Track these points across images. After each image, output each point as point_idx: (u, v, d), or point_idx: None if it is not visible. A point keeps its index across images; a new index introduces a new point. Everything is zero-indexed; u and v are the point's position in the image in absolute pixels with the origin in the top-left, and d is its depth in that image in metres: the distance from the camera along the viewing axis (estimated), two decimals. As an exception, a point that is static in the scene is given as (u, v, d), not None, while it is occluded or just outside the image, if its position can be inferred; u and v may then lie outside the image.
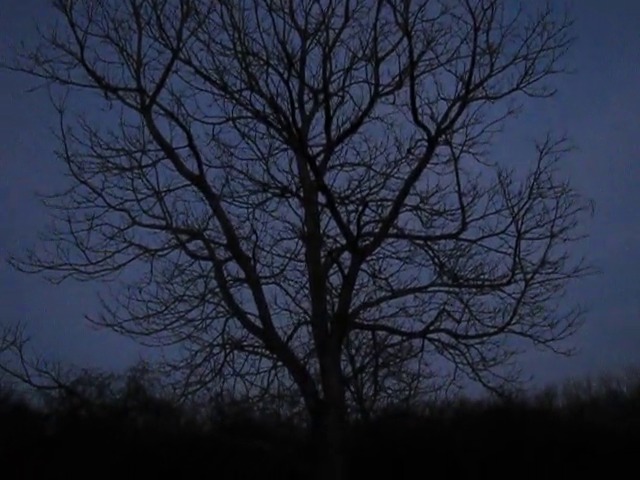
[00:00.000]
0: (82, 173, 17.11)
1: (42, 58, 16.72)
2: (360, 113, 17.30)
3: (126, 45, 17.08)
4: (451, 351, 18.07)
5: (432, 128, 16.76)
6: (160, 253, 17.31)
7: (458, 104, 16.68)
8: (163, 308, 17.02)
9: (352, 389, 22.07)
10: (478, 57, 16.45)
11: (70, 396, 31.47)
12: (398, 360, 20.36)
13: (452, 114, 16.73)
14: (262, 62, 17.33)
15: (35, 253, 16.74)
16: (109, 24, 16.96)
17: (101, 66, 17.04)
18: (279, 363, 17.78)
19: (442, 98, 16.70)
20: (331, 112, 17.36)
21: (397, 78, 17.49)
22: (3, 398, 33.96)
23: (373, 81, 17.11)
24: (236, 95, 17.46)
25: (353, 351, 20.94)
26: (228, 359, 17.63)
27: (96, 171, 17.17)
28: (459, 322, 17.91)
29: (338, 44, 17.98)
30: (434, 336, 18.08)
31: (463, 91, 16.60)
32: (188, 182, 17.34)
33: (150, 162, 17.39)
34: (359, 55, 17.74)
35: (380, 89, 17.16)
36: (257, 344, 17.58)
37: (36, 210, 16.93)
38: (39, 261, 16.75)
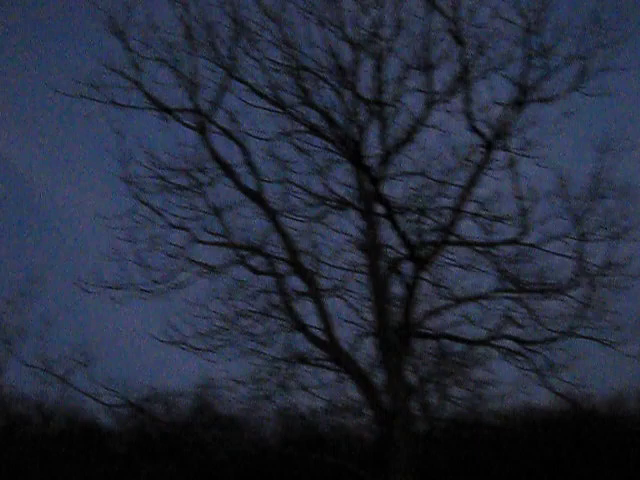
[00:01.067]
0: (142, 194, 17.40)
1: (99, 83, 17.11)
2: (415, 122, 17.29)
3: (181, 67, 17.39)
4: (516, 358, 17.86)
5: (488, 133, 16.68)
6: (222, 270, 17.47)
7: (513, 108, 16.56)
8: (227, 324, 17.18)
9: (417, 399, 21.94)
10: (531, 59, 16.36)
11: (138, 413, 31.92)
12: (463, 368, 20.19)
13: (508, 118, 16.62)
14: (315, 76, 17.47)
15: (100, 274, 17.08)
16: (164, 47, 17.33)
17: (157, 88, 17.39)
18: (344, 375, 17.77)
19: (497, 103, 16.61)
20: (386, 122, 17.41)
21: (450, 85, 17.40)
22: (74, 417, 34.65)
23: (426, 89, 17.13)
24: (291, 110, 17.59)
25: (417, 361, 20.82)
26: (293, 373, 17.68)
27: (156, 191, 17.45)
28: (523, 328, 17.72)
29: (390, 54, 17.96)
30: (498, 343, 17.90)
31: (518, 95, 16.50)
32: (247, 198, 17.52)
33: (209, 180, 17.60)
34: (411, 64, 17.71)
35: (434, 97, 17.14)
36: (321, 357, 17.60)
37: (99, 232, 17.29)
38: (104, 282, 17.07)
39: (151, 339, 16.95)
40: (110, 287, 17.06)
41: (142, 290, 17.12)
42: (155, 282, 17.13)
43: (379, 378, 18.07)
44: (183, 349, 17.10)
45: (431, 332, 18.50)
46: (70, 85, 17.04)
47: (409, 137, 17.30)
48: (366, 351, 18.40)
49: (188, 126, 17.42)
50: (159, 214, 17.39)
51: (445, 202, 18.14)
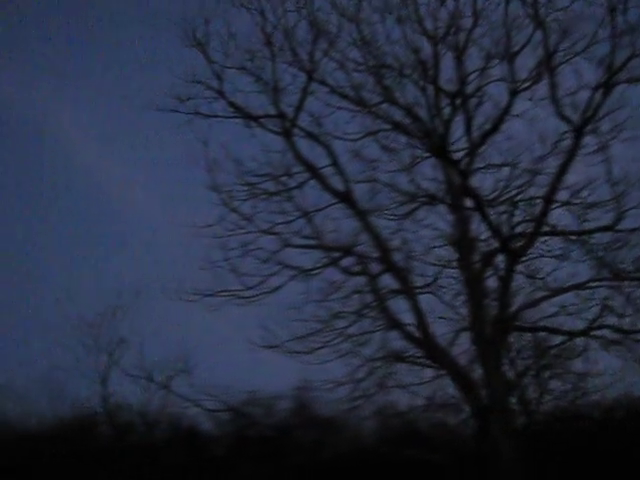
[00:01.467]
0: (231, 201, 17.64)
1: (184, 96, 17.43)
2: (500, 112, 17.05)
3: (262, 73, 17.59)
4: (617, 347, 17.40)
5: (576, 119, 16.32)
6: (314, 272, 17.56)
7: (601, 91, 16.16)
8: (322, 326, 17.26)
9: (516, 393, 21.62)
10: (617, 39, 15.94)
11: (238, 417, 32.37)
12: (562, 360, 19.81)
13: (595, 102, 16.23)
14: (396, 73, 17.42)
15: (195, 282, 17.37)
16: (244, 55, 17.55)
17: (240, 97, 17.65)
18: (441, 372, 17.65)
19: (584, 87, 16.24)
20: (470, 114, 17.23)
21: (534, 72, 17.09)
22: (176, 422, 35.33)
23: (510, 78, 16.87)
24: (373, 109, 17.58)
25: (515, 354, 20.53)
26: (390, 371, 17.65)
27: (244, 198, 17.67)
28: (623, 317, 17.25)
29: (470, 45, 17.74)
30: (598, 333, 17.47)
31: (605, 77, 16.09)
32: (335, 200, 17.57)
33: (296, 184, 17.72)
34: (492, 53, 17.46)
35: (518, 85, 16.86)
36: (418, 354, 17.53)
37: (192, 241, 17.58)
38: (199, 290, 17.36)
39: (248, 344, 17.18)
40: (205, 295, 17.35)
41: (237, 296, 17.37)
42: (249, 288, 17.35)
43: (476, 373, 17.89)
44: (280, 352, 17.28)
45: (528, 325, 18.22)
46: (155, 99, 17.42)
47: (495, 128, 17.06)
48: (462, 347, 18.25)
49: (273, 132, 17.60)
50: (249, 220, 17.60)
51: (536, 192, 17.84)
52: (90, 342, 31.33)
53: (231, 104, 17.51)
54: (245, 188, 17.66)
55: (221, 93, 17.46)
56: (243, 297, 17.41)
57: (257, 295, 17.41)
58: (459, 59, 17.37)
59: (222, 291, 17.37)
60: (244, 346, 17.44)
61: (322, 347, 17.31)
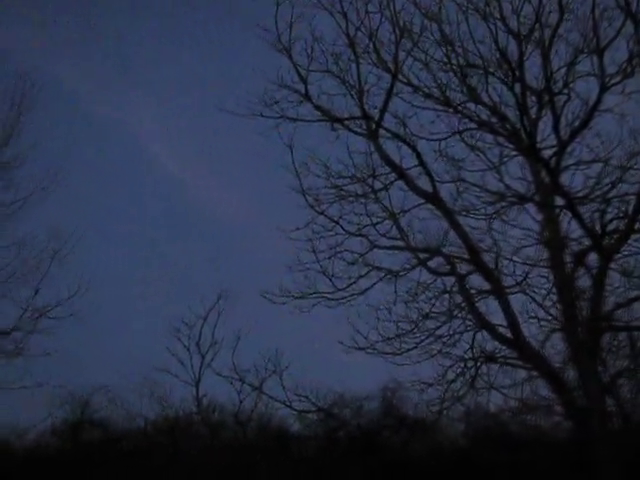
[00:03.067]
0: (319, 204, 17.78)
1: (270, 100, 17.65)
2: (589, 108, 16.72)
3: (346, 76, 17.64)
4: None
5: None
6: (402, 273, 17.56)
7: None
8: (412, 327, 17.23)
9: (611, 395, 21.13)
10: None
11: (328, 418, 32.58)
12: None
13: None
14: (481, 72, 17.26)
15: (285, 285, 17.60)
16: (328, 58, 17.65)
17: (325, 99, 17.74)
18: (533, 373, 17.40)
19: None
20: (558, 111, 16.93)
21: (625, 66, 16.67)
22: (267, 423, 35.84)
23: (599, 73, 16.52)
24: (459, 108, 17.45)
25: (609, 355, 20.06)
26: (480, 372, 17.50)
27: (332, 201, 17.79)
28: None
29: (556, 40, 17.44)
30: (698, 332, 16.97)
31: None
32: (422, 200, 17.52)
33: (382, 186, 17.74)
34: (580, 48, 17.13)
35: (607, 80, 16.50)
36: (509, 355, 17.32)
37: (281, 244, 17.82)
38: (289, 292, 17.57)
39: (338, 345, 17.31)
40: (295, 297, 17.55)
41: (326, 298, 17.51)
42: (338, 289, 17.47)
43: (570, 375, 17.59)
44: (369, 354, 17.33)
45: (622, 325, 17.81)
46: (243, 105, 17.69)
47: (584, 124, 16.73)
48: (555, 347, 17.97)
49: (358, 133, 17.64)
50: (336, 223, 17.70)
51: (628, 188, 17.42)
52: (186, 344, 32.09)
53: (316, 107, 17.63)
54: (332, 191, 17.78)
55: (307, 96, 17.59)
56: (332, 299, 17.56)
57: (346, 297, 17.54)
58: (545, 55, 17.09)
59: (312, 293, 17.56)
60: (334, 348, 17.61)
61: (412, 348, 17.29)
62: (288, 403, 18.00)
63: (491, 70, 17.20)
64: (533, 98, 17.79)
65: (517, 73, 16.89)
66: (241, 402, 34.03)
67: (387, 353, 17.26)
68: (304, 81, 17.63)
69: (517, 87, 16.96)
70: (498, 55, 16.97)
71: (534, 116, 17.56)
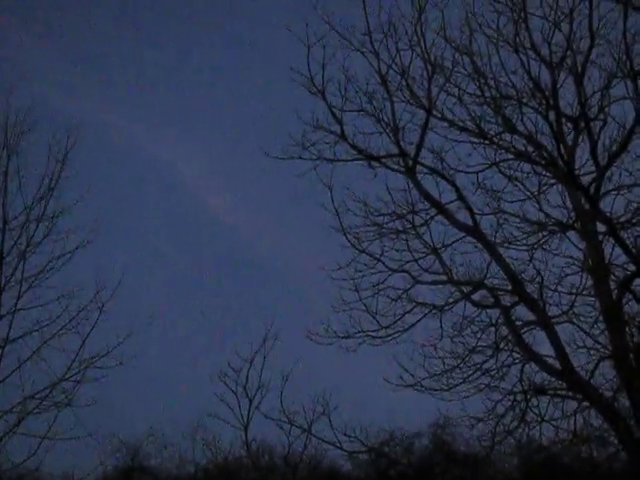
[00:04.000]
0: (360, 242, 17.83)
1: (307, 143, 17.84)
2: (626, 131, 16.61)
3: (381, 114, 17.78)
4: None
5: None
6: (446, 308, 17.48)
7: None
8: (458, 362, 17.10)
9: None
10: None
11: (378, 458, 32.31)
12: None
13: None
14: (515, 102, 17.30)
15: (330, 325, 17.61)
16: (362, 98, 17.83)
17: (361, 139, 17.86)
18: (585, 403, 17.12)
19: None
20: (595, 137, 16.85)
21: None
22: (317, 465, 35.64)
23: (634, 96, 16.42)
24: (495, 139, 17.48)
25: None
26: (531, 405, 17.27)
27: (372, 238, 17.82)
28: None
29: (589, 66, 17.42)
30: None
31: None
32: (463, 234, 17.49)
33: (422, 221, 17.76)
34: (614, 72, 17.08)
35: (643, 102, 16.39)
36: (559, 386, 17.08)
37: (325, 284, 17.87)
38: (334, 332, 17.57)
39: (385, 384, 17.23)
40: (340, 337, 17.54)
41: (371, 336, 17.48)
42: (382, 327, 17.42)
43: (623, 403, 17.27)
44: (417, 391, 17.22)
45: (675, 349, 17.48)
46: (278, 147, 17.90)
47: (622, 148, 16.59)
48: (605, 376, 17.68)
49: (396, 170, 17.71)
50: (378, 260, 17.71)
51: (672, 211, 17.22)
52: (233, 389, 32.14)
53: (353, 146, 17.77)
54: (372, 228, 17.84)
55: (343, 136, 17.74)
56: (377, 337, 17.51)
57: (391, 334, 17.47)
58: (579, 82, 17.07)
59: (357, 332, 17.53)
60: (381, 386, 17.53)
61: (459, 383, 17.14)
62: (338, 444, 17.92)
63: (525, 100, 17.25)
64: (569, 125, 17.76)
65: (551, 101, 16.88)
66: (290, 444, 33.90)
67: (435, 389, 17.15)
68: (339, 121, 17.79)
69: (552, 115, 16.96)
70: (531, 84, 17.03)
71: (571, 143, 17.50)
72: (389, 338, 17.42)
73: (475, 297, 17.47)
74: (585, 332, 17.46)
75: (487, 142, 17.53)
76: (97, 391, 24.84)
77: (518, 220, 17.81)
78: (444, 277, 17.56)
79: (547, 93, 16.91)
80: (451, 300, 17.53)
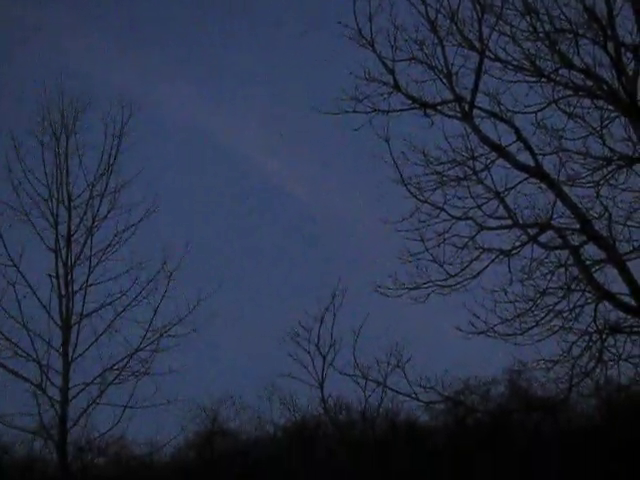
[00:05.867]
0: (421, 193, 17.61)
1: (360, 96, 17.64)
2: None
3: (433, 60, 17.46)
4: None
5: None
6: (514, 252, 17.22)
7: None
8: (530, 305, 16.87)
9: None
10: None
11: (455, 407, 32.35)
12: None
13: None
14: (570, 36, 16.81)
15: (397, 277, 17.55)
16: (412, 46, 17.51)
17: (415, 87, 17.57)
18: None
19: None
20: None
21: None
22: (394, 417, 35.98)
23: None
24: (552, 76, 17.02)
25: None
26: (607, 344, 16.99)
27: (434, 187, 17.60)
28: None
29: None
30: None
31: None
32: (525, 175, 17.16)
33: (483, 166, 17.45)
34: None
35: None
36: (635, 323, 16.77)
37: (389, 236, 17.78)
38: (402, 284, 17.50)
39: (456, 332, 17.15)
40: (408, 288, 17.47)
41: (439, 285, 17.36)
42: (451, 276, 17.28)
43: None
44: (490, 337, 17.09)
45: None
46: (334, 105, 17.74)
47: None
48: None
49: (452, 117, 17.41)
50: (441, 209, 17.50)
51: None
52: (306, 347, 32.49)
53: (407, 96, 17.52)
54: (433, 177, 17.60)
55: (396, 87, 17.50)
56: (446, 286, 17.37)
57: (460, 282, 17.31)
58: (637, 8, 16.48)
59: (425, 283, 17.41)
60: (453, 335, 17.46)
61: (532, 327, 16.91)
62: (414, 395, 17.86)
63: (580, 32, 16.71)
64: (628, 55, 17.16)
65: (609, 31, 16.33)
66: (367, 399, 34.17)
67: (508, 335, 16.97)
68: (391, 72, 17.55)
69: (610, 46, 16.43)
70: (586, 15, 16.48)
71: (632, 73, 16.92)
72: (458, 286, 17.26)
73: (542, 239, 17.16)
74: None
75: (544, 80, 17.06)
76: (173, 359, 25.39)
77: (581, 157, 17.36)
78: (509, 221, 17.27)
79: (604, 23, 16.37)
80: (518, 244, 17.26)
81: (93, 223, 25.62)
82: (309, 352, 32.58)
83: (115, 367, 25.09)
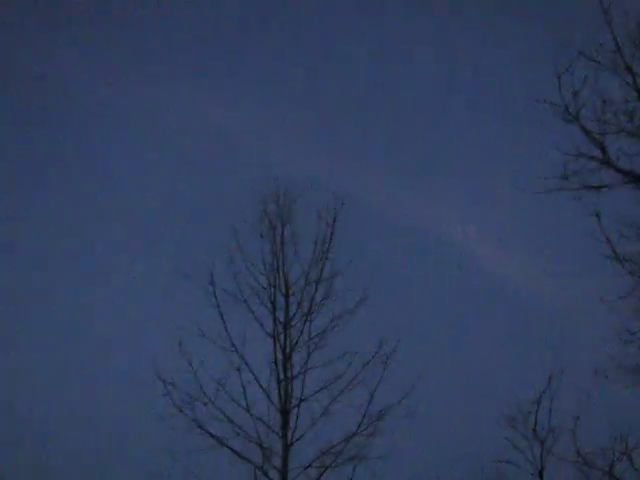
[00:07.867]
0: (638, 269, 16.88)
1: (569, 173, 17.31)
2: None
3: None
4: None
5: None
6: None
7: None
8: None
9: None
10: None
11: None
12: None
13: None
14: None
15: (617, 359, 16.80)
16: (621, 117, 17.03)
17: (626, 160, 17.02)
18: None
19: None
20: None
21: None
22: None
23: None
24: None
25: None
26: None
27: None
28: None
29: None
30: None
31: None
32: None
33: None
34: None
35: None
36: None
37: (605, 315, 17.08)
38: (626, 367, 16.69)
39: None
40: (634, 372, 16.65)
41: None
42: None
43: None
44: None
45: None
46: (536, 181, 17.56)
47: None
48: None
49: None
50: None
51: None
52: (523, 432, 31.27)
53: (618, 170, 17.01)
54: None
55: (606, 162, 17.06)
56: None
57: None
58: None
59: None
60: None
61: None
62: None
63: None
64: None
65: None
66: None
67: None
68: (600, 146, 17.14)
69: None
70: None
71: None
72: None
73: None
74: None
75: None
76: (389, 443, 25.35)
77: None
78: None
79: None
80: None
81: (310, 309, 26.43)
82: (526, 437, 31.29)
83: (332, 450, 25.42)
